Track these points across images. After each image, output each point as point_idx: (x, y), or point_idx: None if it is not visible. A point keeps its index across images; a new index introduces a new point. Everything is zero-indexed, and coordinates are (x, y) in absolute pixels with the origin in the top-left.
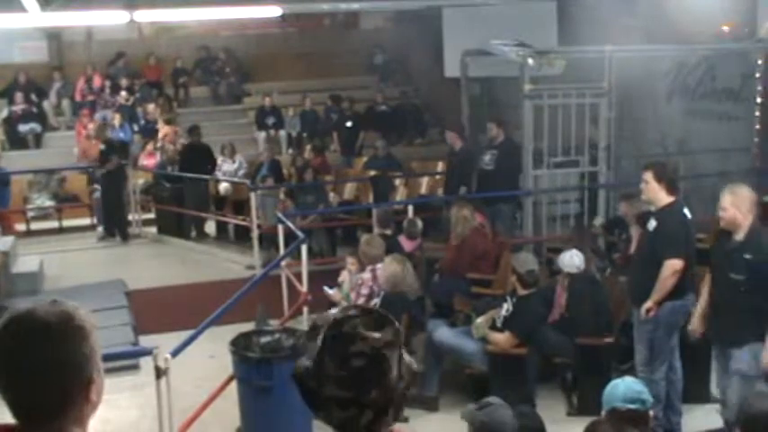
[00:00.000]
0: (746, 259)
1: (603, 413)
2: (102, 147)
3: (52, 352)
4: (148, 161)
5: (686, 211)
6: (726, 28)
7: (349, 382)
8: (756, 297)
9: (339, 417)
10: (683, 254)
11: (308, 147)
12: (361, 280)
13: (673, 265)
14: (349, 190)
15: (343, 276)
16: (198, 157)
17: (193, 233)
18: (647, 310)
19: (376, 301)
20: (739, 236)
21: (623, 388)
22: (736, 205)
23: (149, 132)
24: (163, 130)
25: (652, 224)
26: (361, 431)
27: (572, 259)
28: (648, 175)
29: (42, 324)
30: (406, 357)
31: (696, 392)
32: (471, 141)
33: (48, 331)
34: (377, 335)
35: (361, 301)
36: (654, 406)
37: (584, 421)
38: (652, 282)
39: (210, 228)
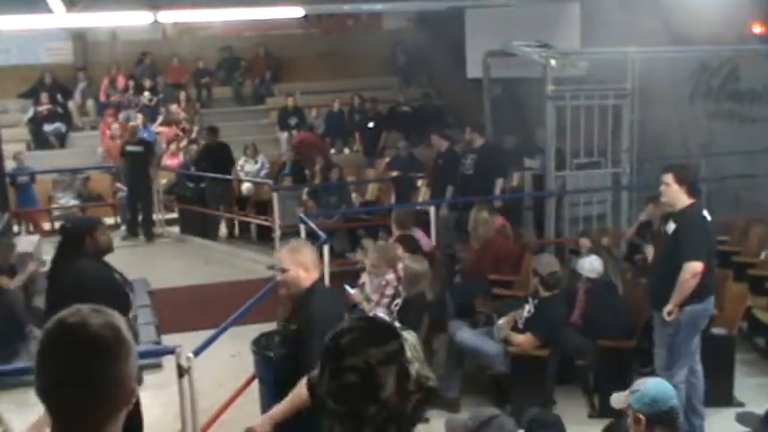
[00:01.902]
0: (292, 331)
1: (649, 414)
2: (139, 148)
3: (106, 368)
4: (171, 161)
5: (706, 213)
6: (756, 27)
7: (341, 397)
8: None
9: (338, 430)
10: (703, 256)
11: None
12: (386, 281)
13: (693, 268)
14: (371, 190)
15: (364, 278)
16: (218, 156)
17: (223, 231)
18: (669, 314)
19: (398, 302)
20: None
21: (669, 388)
22: (299, 263)
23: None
24: (159, 129)
25: (671, 227)
26: None
27: (592, 264)
28: (669, 178)
29: (96, 339)
30: (420, 374)
31: (719, 396)
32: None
33: (104, 347)
34: (373, 350)
35: (385, 301)
36: None
37: (606, 423)
38: (671, 285)
39: (224, 228)
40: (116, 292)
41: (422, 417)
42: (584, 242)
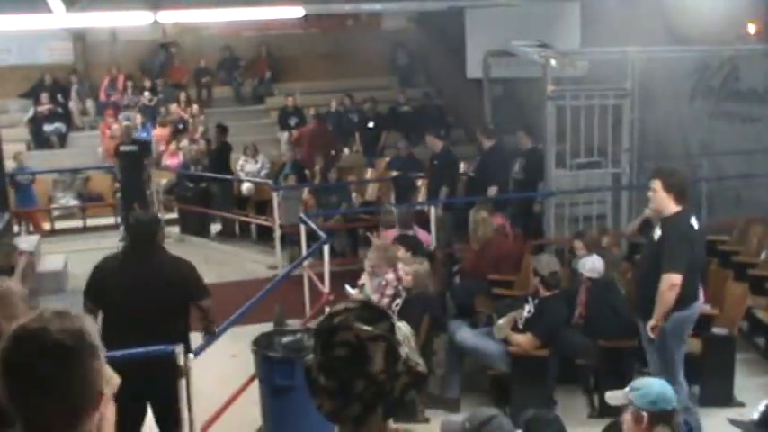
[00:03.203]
0: None
1: (652, 412)
2: (133, 148)
3: (68, 373)
4: (171, 161)
5: (693, 220)
6: (752, 26)
7: (332, 370)
8: None
9: (328, 406)
10: (683, 267)
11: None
12: (386, 281)
13: (670, 280)
14: (371, 190)
15: (364, 278)
16: (221, 158)
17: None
18: (653, 328)
19: (398, 302)
20: None
21: (671, 389)
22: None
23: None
24: (155, 132)
25: (657, 233)
26: (348, 424)
27: (593, 264)
28: (657, 184)
29: (57, 344)
30: (410, 357)
31: (720, 396)
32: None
33: (64, 352)
34: (364, 327)
35: (385, 301)
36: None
37: (606, 423)
38: (653, 292)
39: (216, 228)
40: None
41: (410, 401)
42: (578, 244)
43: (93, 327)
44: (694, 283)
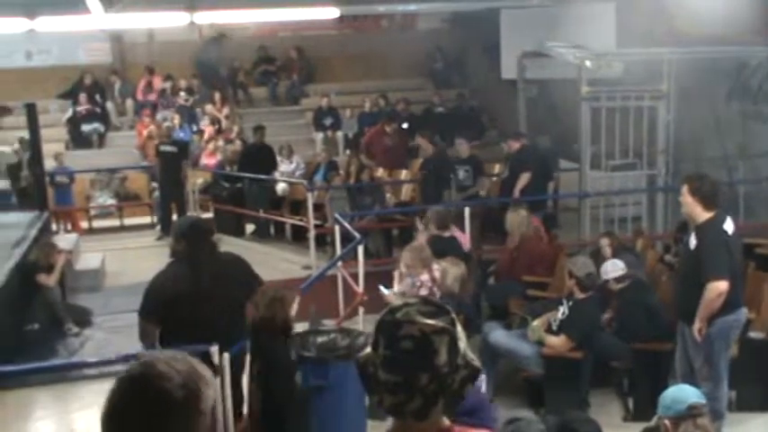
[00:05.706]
0: None
1: (671, 416)
2: (173, 149)
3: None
4: (209, 161)
5: (727, 225)
6: None
7: (397, 365)
8: None
9: (389, 401)
10: (727, 274)
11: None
12: (420, 282)
13: (716, 288)
14: (405, 191)
15: (397, 279)
16: (257, 158)
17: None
18: (699, 331)
19: None
20: None
21: (687, 390)
22: None
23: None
24: (206, 128)
25: (692, 242)
26: (408, 418)
27: (615, 265)
28: (684, 189)
29: (171, 404)
30: (467, 352)
31: (757, 400)
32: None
33: (177, 414)
34: (428, 321)
35: None
36: (717, 420)
37: (641, 427)
38: (696, 300)
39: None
40: None
41: (466, 395)
42: (605, 241)
43: (210, 381)
44: (737, 289)
